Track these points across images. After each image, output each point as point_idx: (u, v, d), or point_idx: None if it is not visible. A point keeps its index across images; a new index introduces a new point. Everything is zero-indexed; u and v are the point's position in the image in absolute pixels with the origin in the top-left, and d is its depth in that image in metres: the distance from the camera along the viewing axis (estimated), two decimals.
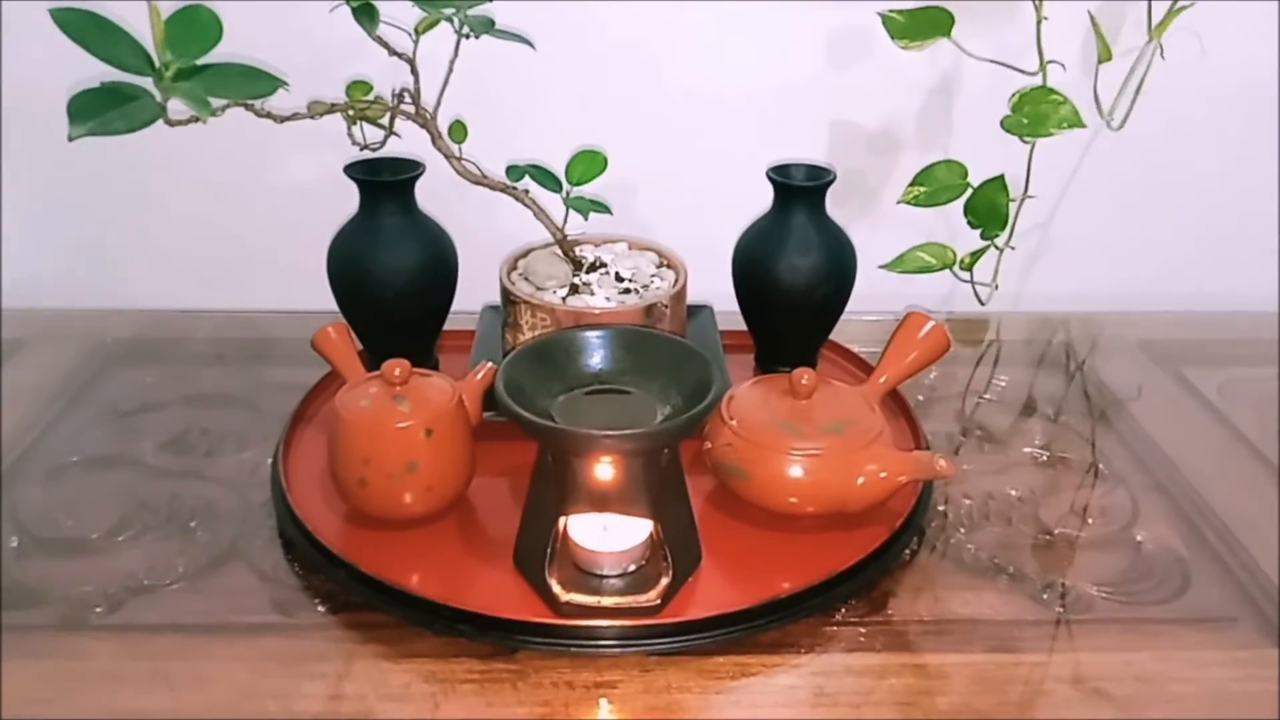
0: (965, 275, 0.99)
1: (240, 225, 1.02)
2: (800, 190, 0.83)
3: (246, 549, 0.69)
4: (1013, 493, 0.77)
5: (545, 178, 0.80)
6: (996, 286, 1.01)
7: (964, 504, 0.76)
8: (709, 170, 1.00)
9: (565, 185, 0.81)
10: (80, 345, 0.93)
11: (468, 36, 0.73)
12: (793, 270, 0.82)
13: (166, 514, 0.72)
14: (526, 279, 0.81)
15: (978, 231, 0.96)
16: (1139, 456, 0.82)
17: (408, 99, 0.76)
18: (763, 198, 0.85)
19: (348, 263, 0.81)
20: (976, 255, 0.98)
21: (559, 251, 0.83)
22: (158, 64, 0.61)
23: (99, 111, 0.58)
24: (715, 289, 0.88)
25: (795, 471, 0.67)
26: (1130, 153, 1.00)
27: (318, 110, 0.74)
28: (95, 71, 0.59)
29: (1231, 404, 0.89)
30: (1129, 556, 0.71)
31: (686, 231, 0.93)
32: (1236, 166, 1.05)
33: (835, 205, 0.85)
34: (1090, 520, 0.74)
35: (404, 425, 0.65)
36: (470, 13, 0.74)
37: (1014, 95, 0.91)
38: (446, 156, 0.78)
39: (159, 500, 0.73)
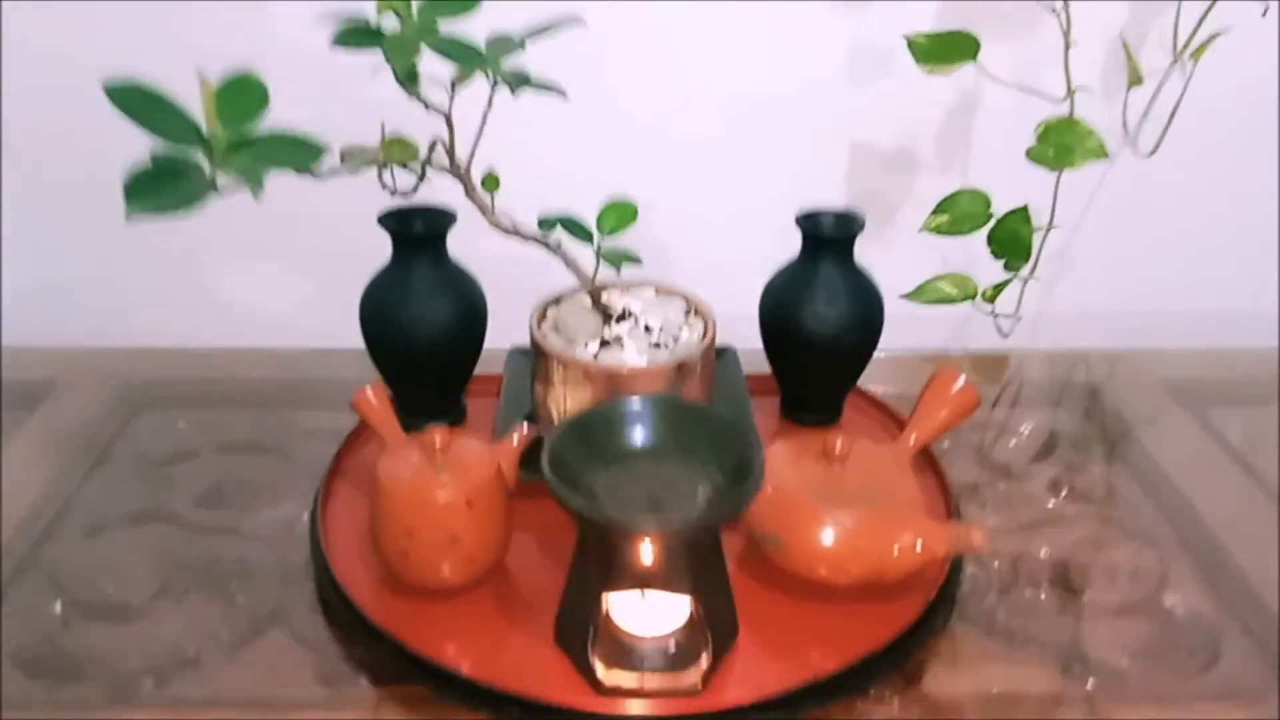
0: (987, 306, 0.99)
1: (266, 258, 1.02)
2: (828, 238, 0.83)
3: (288, 614, 0.69)
4: (1041, 553, 0.78)
5: (577, 229, 0.80)
6: (1020, 318, 1.01)
7: (993, 565, 0.77)
8: (725, 202, 1.01)
9: (596, 236, 0.80)
10: (110, 387, 0.94)
11: (509, 88, 0.72)
12: (819, 320, 0.82)
13: (208, 576, 0.73)
14: (557, 330, 0.81)
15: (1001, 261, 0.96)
16: (1166, 511, 0.82)
17: (442, 151, 0.76)
18: (779, 223, 0.85)
19: (380, 314, 0.82)
20: (1000, 288, 0.98)
21: (588, 302, 0.83)
22: (207, 136, 0.60)
23: (154, 190, 0.57)
24: (737, 318, 0.88)
25: (831, 541, 0.68)
26: (1151, 179, 1.00)
27: (355, 163, 0.73)
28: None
29: (1258, 449, 0.90)
30: (1159, 623, 0.72)
31: (704, 260, 0.94)
32: (1263, 195, 1.05)
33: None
34: (1119, 582, 0.75)
35: (446, 499, 0.66)
36: (505, 68, 0.73)
37: (1040, 125, 0.91)
38: (481, 210, 0.78)
39: (199, 561, 0.74)
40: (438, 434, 0.68)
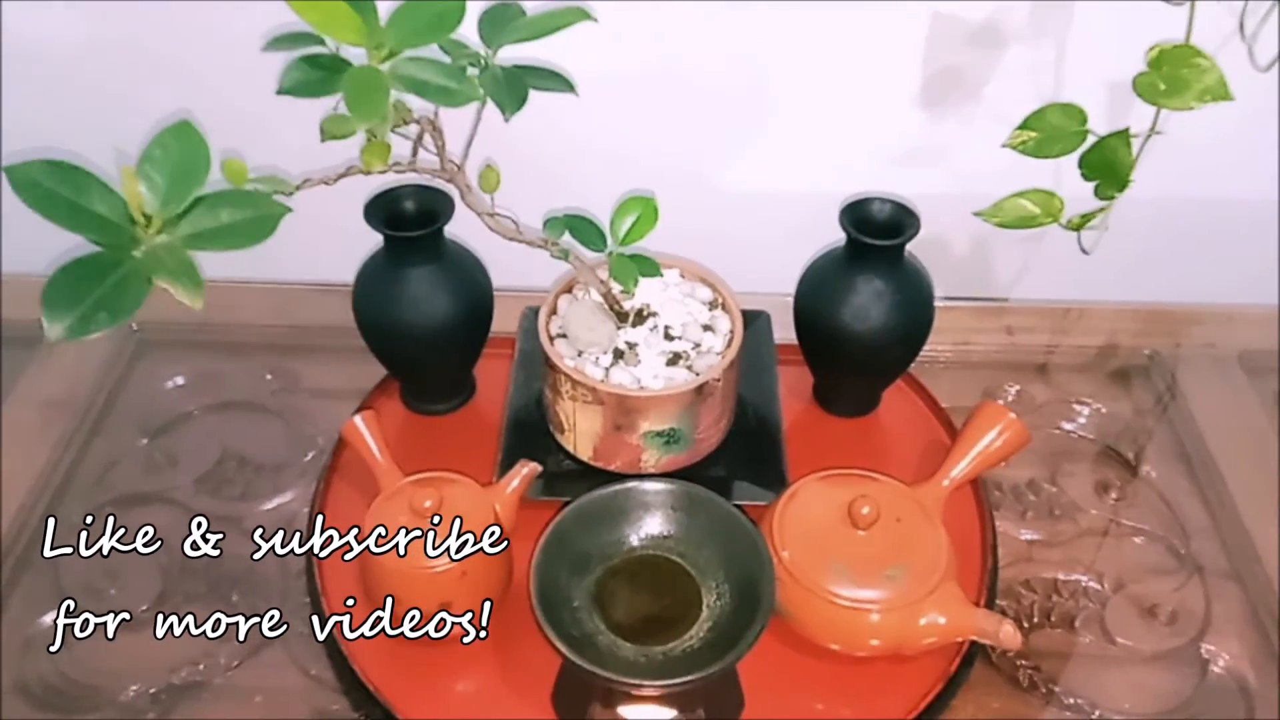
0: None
1: None
2: (877, 235, 0.73)
3: (288, 636, 0.69)
4: (1079, 582, 0.73)
5: (588, 232, 0.71)
6: (1107, 227, 0.88)
7: (1028, 598, 0.72)
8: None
9: (610, 242, 0.71)
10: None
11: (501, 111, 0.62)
12: (858, 335, 0.74)
13: (206, 586, 0.72)
14: (565, 336, 0.74)
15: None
16: (1220, 531, 0.77)
17: (429, 148, 0.66)
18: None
19: (376, 316, 0.75)
20: (1088, 217, 0.87)
21: (602, 300, 0.75)
22: (138, 221, 0.52)
23: (76, 299, 0.50)
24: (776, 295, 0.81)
25: (847, 621, 0.63)
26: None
27: (330, 180, 0.64)
28: None
29: None
30: (1193, 679, 0.69)
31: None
32: None
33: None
34: (1159, 622, 0.71)
35: (438, 573, 0.62)
36: (502, 67, 0.62)
37: (1152, 49, 0.77)
38: (479, 214, 0.69)
39: (197, 565, 0.73)
40: (428, 497, 0.63)
